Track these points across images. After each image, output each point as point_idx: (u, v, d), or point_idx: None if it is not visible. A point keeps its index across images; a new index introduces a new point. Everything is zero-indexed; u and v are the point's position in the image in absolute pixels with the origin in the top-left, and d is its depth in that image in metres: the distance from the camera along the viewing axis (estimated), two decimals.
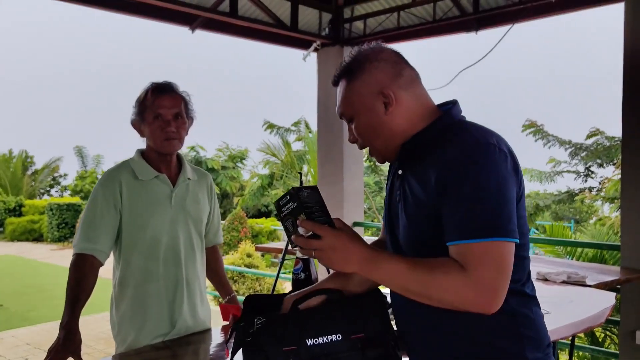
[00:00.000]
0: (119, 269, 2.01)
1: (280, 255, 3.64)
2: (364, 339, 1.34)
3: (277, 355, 1.29)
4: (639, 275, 3.39)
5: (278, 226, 13.30)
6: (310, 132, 14.37)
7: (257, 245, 4.85)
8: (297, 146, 15.12)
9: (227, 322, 2.23)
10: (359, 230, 5.36)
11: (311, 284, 1.80)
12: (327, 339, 1.32)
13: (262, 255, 7.92)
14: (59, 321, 1.76)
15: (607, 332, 5.16)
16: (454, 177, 1.14)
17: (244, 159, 19.22)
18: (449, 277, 1.12)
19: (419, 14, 4.93)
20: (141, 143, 2.07)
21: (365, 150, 1.43)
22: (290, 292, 1.71)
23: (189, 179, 2.10)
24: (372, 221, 12.36)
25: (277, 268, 3.59)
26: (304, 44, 5.49)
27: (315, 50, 5.52)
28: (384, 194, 12.42)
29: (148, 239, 1.97)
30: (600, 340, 5.19)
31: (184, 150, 20.03)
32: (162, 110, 1.95)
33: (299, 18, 5.06)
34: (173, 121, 1.96)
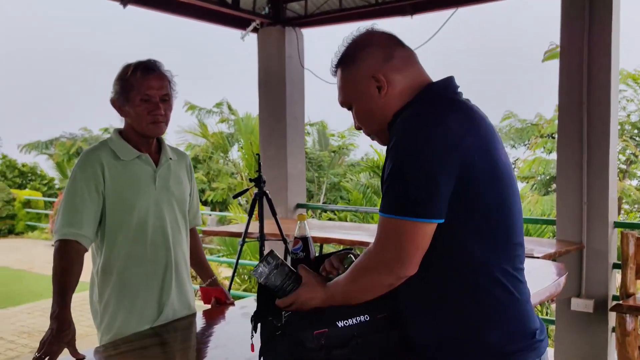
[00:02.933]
0: (101, 255, 1.90)
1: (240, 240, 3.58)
2: (387, 317, 1.37)
3: (307, 339, 1.29)
4: (577, 247, 3.68)
5: (203, 210, 13.03)
6: (233, 114, 14.13)
7: (204, 229, 4.72)
8: (216, 128, 14.75)
9: (209, 305, 2.19)
10: (302, 211, 5.38)
11: (310, 263, 1.81)
12: (356, 319, 1.34)
13: None
14: None
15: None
16: (388, 151, 1.22)
17: None
18: (361, 261, 1.27)
19: None
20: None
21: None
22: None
23: (170, 159, 2.03)
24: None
25: (237, 253, 3.53)
26: (243, 24, 5.36)
27: (255, 30, 5.41)
28: None
29: (134, 222, 1.88)
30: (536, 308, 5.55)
31: (96, 132, 19.10)
32: (150, 91, 1.85)
33: None
34: (161, 103, 1.87)
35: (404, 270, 1.19)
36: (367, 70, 1.30)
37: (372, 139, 1.40)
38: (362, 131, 1.40)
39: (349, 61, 1.33)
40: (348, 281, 1.29)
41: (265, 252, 4.01)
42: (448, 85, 1.30)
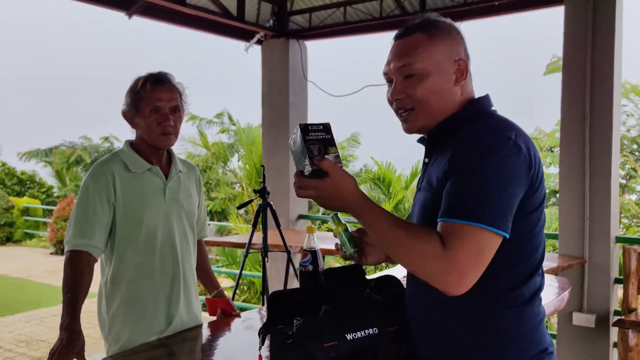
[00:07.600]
0: (110, 266, 1.91)
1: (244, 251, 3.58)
2: (397, 330, 1.39)
3: (318, 352, 1.30)
4: (579, 261, 3.69)
5: None
6: (233, 124, 14.16)
7: (205, 240, 4.70)
8: (216, 138, 14.72)
9: (214, 317, 2.19)
10: (303, 222, 5.39)
11: (318, 277, 1.82)
12: (365, 332, 1.35)
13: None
14: None
15: None
16: (459, 161, 1.16)
17: None
18: (427, 244, 1.12)
19: (366, 10, 5.01)
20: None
21: None
22: (310, 282, 1.71)
23: (180, 171, 2.04)
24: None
25: (240, 264, 3.53)
26: (247, 36, 5.40)
27: (259, 42, 5.45)
28: None
29: (144, 233, 1.90)
30: None
31: (96, 141, 19.11)
32: (160, 103, 1.88)
33: (245, 9, 4.98)
34: (171, 115, 1.89)
35: (464, 285, 1.11)
36: (455, 52, 1.26)
37: (409, 119, 1.29)
38: (398, 103, 1.28)
39: (437, 32, 1.25)
40: (403, 237, 1.15)
41: (268, 263, 4.02)
42: (489, 102, 1.31)
